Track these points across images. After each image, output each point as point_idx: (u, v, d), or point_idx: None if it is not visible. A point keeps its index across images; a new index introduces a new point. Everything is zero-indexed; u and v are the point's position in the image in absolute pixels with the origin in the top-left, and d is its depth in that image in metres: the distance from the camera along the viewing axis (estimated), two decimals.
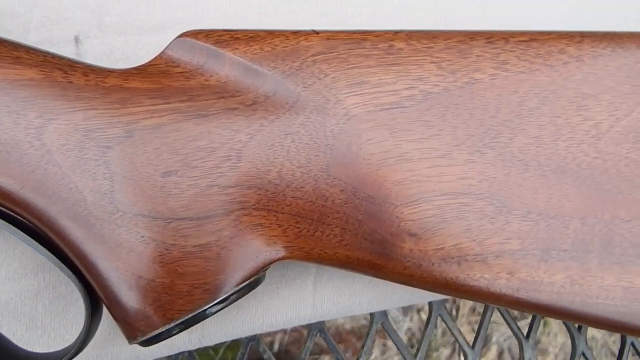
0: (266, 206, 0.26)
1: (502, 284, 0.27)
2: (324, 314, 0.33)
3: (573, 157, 0.28)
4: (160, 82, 0.26)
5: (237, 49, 0.26)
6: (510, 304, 0.28)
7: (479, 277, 0.27)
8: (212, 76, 0.26)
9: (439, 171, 0.26)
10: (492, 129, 0.27)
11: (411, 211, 0.26)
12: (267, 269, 0.27)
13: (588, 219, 0.27)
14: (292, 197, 0.26)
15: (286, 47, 0.26)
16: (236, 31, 0.27)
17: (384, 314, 0.36)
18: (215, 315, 0.26)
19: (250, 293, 0.27)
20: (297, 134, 0.26)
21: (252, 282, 0.26)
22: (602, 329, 0.29)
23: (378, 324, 0.37)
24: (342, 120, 0.26)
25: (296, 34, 0.27)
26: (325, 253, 0.27)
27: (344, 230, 0.26)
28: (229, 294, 0.25)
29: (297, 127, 0.26)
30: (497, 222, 0.27)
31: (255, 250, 0.26)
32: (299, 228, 0.26)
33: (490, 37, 0.28)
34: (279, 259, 0.26)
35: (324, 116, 0.26)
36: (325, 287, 0.33)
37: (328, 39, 0.27)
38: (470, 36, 0.28)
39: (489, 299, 0.28)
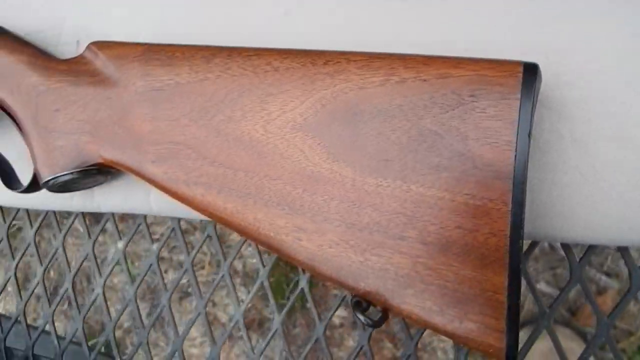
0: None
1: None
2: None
3: (248, 132, 0.43)
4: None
5: None
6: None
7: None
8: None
9: (171, 126, 0.45)
10: (204, 109, 0.44)
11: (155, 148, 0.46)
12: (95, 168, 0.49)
13: (249, 172, 0.43)
14: None
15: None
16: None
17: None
18: None
19: None
20: None
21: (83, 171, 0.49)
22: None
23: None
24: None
25: None
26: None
27: None
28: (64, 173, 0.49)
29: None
30: (196, 162, 0.44)
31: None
32: None
33: (230, 54, 0.45)
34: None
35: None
36: None
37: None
38: (213, 52, 0.45)
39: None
